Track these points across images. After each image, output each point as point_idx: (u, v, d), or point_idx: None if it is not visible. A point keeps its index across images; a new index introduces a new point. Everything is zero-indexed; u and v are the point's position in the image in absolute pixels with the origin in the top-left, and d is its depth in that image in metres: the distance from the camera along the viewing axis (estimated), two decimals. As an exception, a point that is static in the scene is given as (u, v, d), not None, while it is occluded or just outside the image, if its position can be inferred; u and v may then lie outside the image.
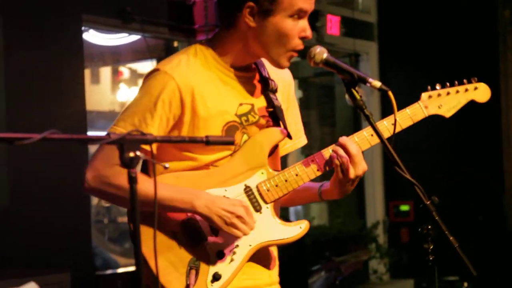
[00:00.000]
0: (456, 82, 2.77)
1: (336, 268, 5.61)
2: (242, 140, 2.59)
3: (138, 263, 2.02)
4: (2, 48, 4.97)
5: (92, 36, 6.68)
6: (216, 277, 2.51)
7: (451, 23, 7.97)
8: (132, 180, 1.98)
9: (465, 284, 6.90)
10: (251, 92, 2.63)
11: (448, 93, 2.75)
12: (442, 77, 8.77)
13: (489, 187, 7.76)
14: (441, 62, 8.05)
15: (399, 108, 2.40)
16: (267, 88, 2.65)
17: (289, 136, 2.66)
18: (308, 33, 2.54)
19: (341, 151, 2.57)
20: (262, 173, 2.59)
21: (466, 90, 2.78)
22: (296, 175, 2.60)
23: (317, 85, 9.67)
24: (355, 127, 8.53)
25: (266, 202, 2.58)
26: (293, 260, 5.98)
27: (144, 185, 2.30)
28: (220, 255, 2.53)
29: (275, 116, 2.65)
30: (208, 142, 2.18)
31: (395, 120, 2.49)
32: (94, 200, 7.84)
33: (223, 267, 2.53)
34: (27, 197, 5.02)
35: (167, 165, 2.14)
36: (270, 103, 2.64)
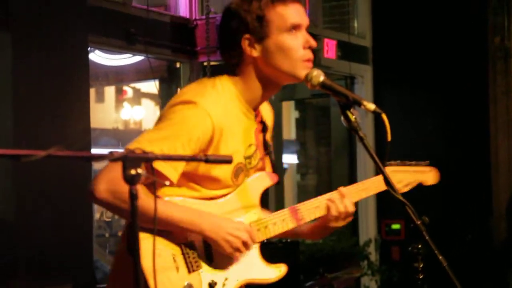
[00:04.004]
0: (414, 162, 2.90)
1: (329, 284, 5.59)
2: (244, 181, 2.61)
3: (137, 277, 2.01)
4: (10, 67, 4.97)
5: (97, 56, 6.70)
6: None
7: (443, 49, 8.00)
8: (133, 196, 1.99)
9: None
10: (255, 133, 2.64)
11: (406, 171, 2.87)
12: (433, 100, 8.81)
13: (478, 209, 7.75)
14: (433, 85, 8.08)
15: (392, 131, 2.40)
16: (264, 130, 2.68)
17: (278, 182, 2.70)
18: (312, 42, 2.54)
19: (340, 205, 2.64)
20: (255, 213, 2.63)
21: (422, 172, 2.92)
22: (283, 220, 2.64)
23: (313, 106, 9.70)
24: (350, 148, 8.53)
25: (255, 242, 2.61)
26: (287, 275, 5.96)
27: (152, 203, 2.30)
28: (212, 285, 2.53)
29: (268, 158, 2.69)
30: (207, 160, 2.18)
31: (388, 142, 2.47)
32: (96, 215, 7.84)
33: None
34: (31, 211, 5.01)
35: (167, 182, 2.15)
36: (266, 146, 2.68)
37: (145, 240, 2.42)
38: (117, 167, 2.38)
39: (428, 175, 2.94)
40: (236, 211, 2.58)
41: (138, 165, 2.00)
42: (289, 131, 10.94)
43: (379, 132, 7.90)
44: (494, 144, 7.72)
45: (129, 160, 1.99)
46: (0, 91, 4.99)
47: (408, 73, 8.23)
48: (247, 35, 2.51)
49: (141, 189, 2.43)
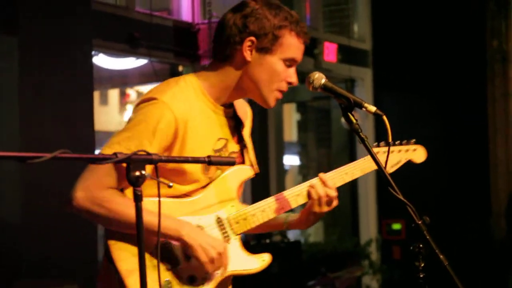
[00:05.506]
0: (398, 142, 2.89)
1: (331, 283, 5.60)
2: (216, 174, 2.60)
3: (142, 275, 2.01)
4: (17, 70, 4.98)
5: (101, 60, 6.70)
6: None
7: (442, 52, 8.00)
8: (138, 198, 1.98)
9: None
10: (227, 128, 2.63)
11: (392, 151, 2.87)
12: (433, 102, 8.79)
13: (477, 209, 7.75)
14: (432, 88, 8.08)
15: (392, 133, 2.40)
16: (239, 125, 2.68)
17: (256, 174, 2.69)
18: (294, 79, 2.59)
19: (320, 189, 2.63)
20: (232, 206, 2.61)
21: (407, 150, 2.91)
22: (263, 211, 2.63)
23: (314, 109, 9.71)
24: (350, 149, 8.54)
25: (235, 234, 2.60)
26: (290, 275, 5.96)
27: (129, 209, 2.25)
28: (192, 280, 2.51)
29: (243, 153, 2.68)
30: (210, 162, 2.18)
31: (389, 144, 2.49)
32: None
33: None
34: (37, 213, 5.02)
35: (171, 184, 2.14)
36: (241, 141, 2.68)
37: (116, 246, 2.44)
38: (94, 174, 2.42)
39: (416, 153, 2.93)
40: (213, 206, 2.57)
41: (142, 167, 2.00)
42: (291, 133, 10.95)
43: (380, 134, 7.89)
44: (493, 145, 7.73)
45: (133, 162, 1.99)
46: (6, 94, 5.00)
47: (408, 76, 8.23)
48: (253, 38, 2.53)
49: (115, 193, 2.43)
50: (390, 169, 2.84)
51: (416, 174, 7.69)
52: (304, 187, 2.67)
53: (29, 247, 4.94)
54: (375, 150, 2.74)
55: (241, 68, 2.56)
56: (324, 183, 2.66)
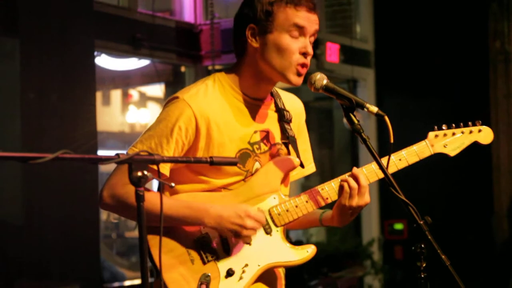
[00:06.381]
0: (461, 124, 2.79)
1: (333, 283, 5.60)
2: (254, 167, 2.59)
3: (144, 275, 2.01)
4: (19, 71, 4.99)
5: (104, 61, 6.71)
6: None
7: (444, 52, 8.00)
8: (139, 198, 1.99)
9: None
10: (266, 121, 2.63)
11: (453, 134, 2.77)
12: (435, 103, 8.79)
13: (480, 210, 7.74)
14: (434, 88, 8.08)
15: (394, 134, 2.40)
16: (282, 118, 2.66)
17: (301, 165, 2.66)
18: (308, 49, 2.53)
19: (352, 181, 2.56)
20: (274, 198, 2.60)
21: (471, 132, 2.79)
22: (306, 201, 2.60)
23: (316, 109, 9.70)
24: (352, 150, 8.53)
25: (276, 226, 2.59)
26: (291, 275, 5.96)
27: (149, 202, 2.28)
28: (230, 273, 2.51)
29: (288, 145, 2.66)
30: (212, 163, 2.18)
31: (390, 144, 2.47)
32: (103, 216, 7.83)
33: (232, 285, 2.51)
34: (40, 213, 5.02)
35: (172, 184, 2.15)
36: (284, 132, 2.65)
37: (153, 241, 2.47)
38: (118, 173, 2.48)
39: (481, 134, 2.80)
40: (253, 199, 2.57)
41: (144, 167, 2.01)
42: (293, 134, 10.94)
43: (382, 134, 7.90)
44: (496, 146, 7.72)
45: (135, 162, 1.99)
46: (8, 95, 5.01)
47: (410, 77, 8.23)
48: (252, 25, 2.54)
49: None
50: (451, 152, 2.74)
51: (418, 175, 7.71)
52: (338, 180, 2.61)
53: (32, 246, 4.94)
54: (434, 133, 2.74)
55: (254, 57, 2.55)
56: (354, 177, 2.57)
